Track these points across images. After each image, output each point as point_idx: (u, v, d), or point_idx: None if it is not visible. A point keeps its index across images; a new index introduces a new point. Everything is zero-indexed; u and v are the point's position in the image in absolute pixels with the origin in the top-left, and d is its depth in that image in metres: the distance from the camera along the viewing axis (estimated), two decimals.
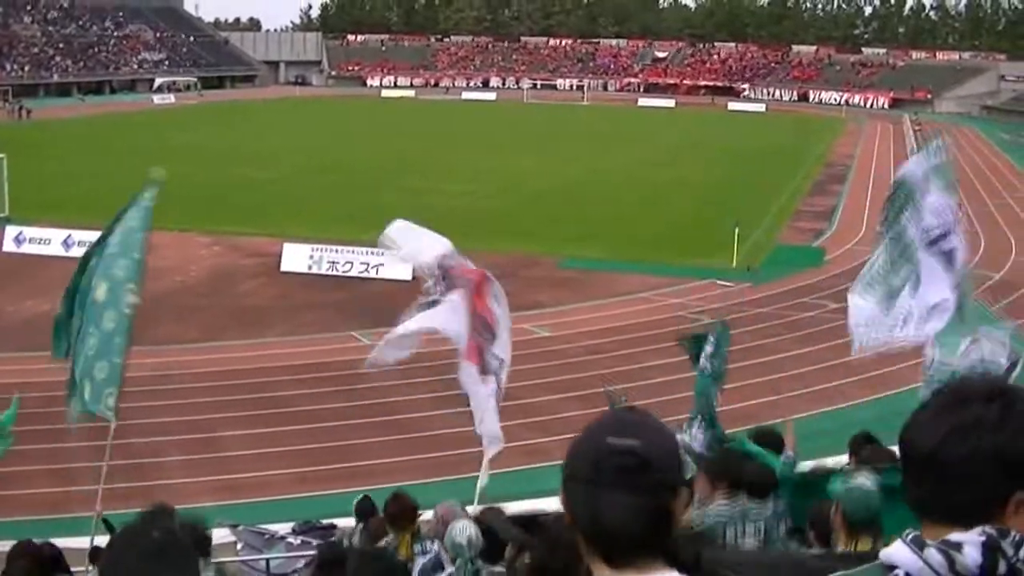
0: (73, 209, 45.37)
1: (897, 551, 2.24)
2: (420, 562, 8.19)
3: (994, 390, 2.29)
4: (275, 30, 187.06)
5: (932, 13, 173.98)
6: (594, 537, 2.37)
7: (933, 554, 2.16)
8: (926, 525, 2.28)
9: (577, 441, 2.44)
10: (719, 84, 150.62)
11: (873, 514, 5.73)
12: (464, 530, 7.04)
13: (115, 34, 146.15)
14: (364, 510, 11.38)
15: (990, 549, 2.14)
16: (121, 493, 15.19)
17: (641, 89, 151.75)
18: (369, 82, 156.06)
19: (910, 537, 2.25)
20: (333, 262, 37.56)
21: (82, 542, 10.15)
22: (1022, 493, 2.20)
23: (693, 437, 10.85)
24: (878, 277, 9.33)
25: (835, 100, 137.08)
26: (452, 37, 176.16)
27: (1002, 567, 2.13)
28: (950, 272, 8.85)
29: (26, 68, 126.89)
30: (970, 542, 2.15)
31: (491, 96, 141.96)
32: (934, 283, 8.84)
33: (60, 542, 9.94)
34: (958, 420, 2.25)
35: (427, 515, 10.36)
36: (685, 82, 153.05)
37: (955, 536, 2.18)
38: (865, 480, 5.98)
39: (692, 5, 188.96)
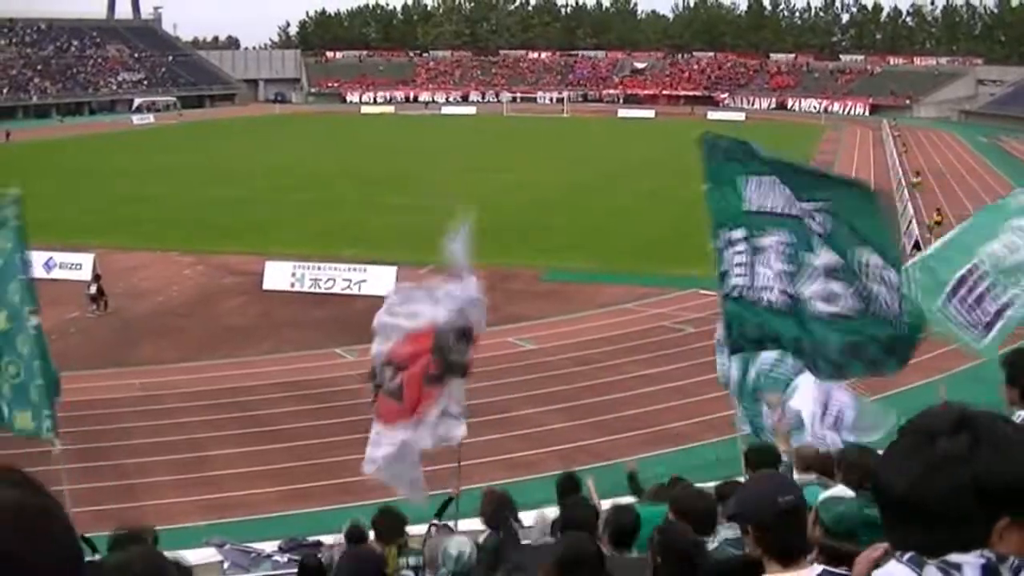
0: (54, 231, 45.23)
1: (894, 570, 2.24)
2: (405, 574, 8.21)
3: (958, 421, 2.26)
4: (253, 48, 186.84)
5: (909, 19, 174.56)
6: None
7: (934, 572, 2.17)
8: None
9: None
10: (698, 94, 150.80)
11: (852, 525, 5.68)
12: (459, 545, 7.04)
13: (93, 55, 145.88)
14: (353, 535, 11.38)
15: (990, 571, 2.14)
16: (110, 514, 15.19)
17: (620, 100, 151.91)
18: (348, 98, 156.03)
19: (907, 557, 2.24)
20: (316, 279, 37.54)
21: None
22: (1003, 520, 2.18)
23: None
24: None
25: (814, 107, 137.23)
26: (431, 52, 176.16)
27: None
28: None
29: (4, 90, 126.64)
30: (969, 563, 2.15)
31: (471, 110, 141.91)
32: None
33: None
34: (930, 457, 2.23)
35: (413, 529, 10.41)
36: (664, 92, 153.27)
37: (954, 557, 2.17)
38: (844, 490, 5.92)
39: (670, 15, 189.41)
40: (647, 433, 22.91)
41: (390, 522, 8.84)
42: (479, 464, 21.04)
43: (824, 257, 8.01)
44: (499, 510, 9.16)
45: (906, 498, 2.23)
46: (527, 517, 12.36)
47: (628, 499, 10.11)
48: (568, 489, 10.24)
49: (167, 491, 20.07)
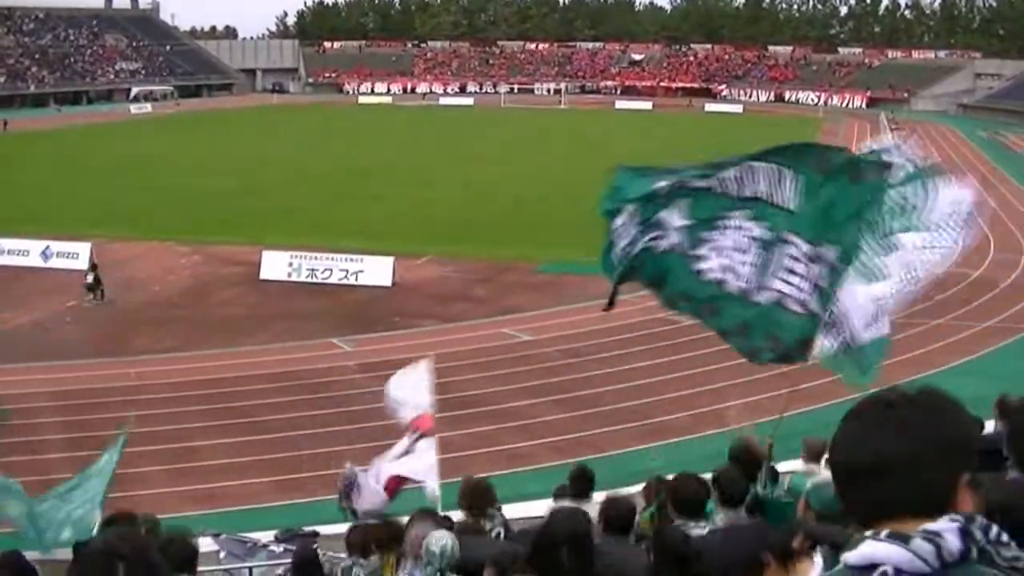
0: (52, 220, 45.22)
1: (877, 549, 2.23)
2: None
3: (915, 393, 2.41)
4: (251, 38, 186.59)
5: (907, 12, 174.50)
6: None
7: (921, 544, 2.18)
8: (880, 526, 2.30)
9: None
10: (696, 86, 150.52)
11: (841, 509, 5.69)
12: (440, 540, 7.02)
13: (91, 44, 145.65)
14: (354, 543, 11.35)
15: (966, 534, 2.18)
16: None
17: (618, 92, 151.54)
18: (346, 88, 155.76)
19: (884, 534, 2.24)
20: (313, 269, 37.52)
21: (63, 554, 10.19)
22: (964, 477, 2.30)
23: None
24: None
25: (812, 100, 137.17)
26: (429, 42, 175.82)
27: (974, 551, 2.19)
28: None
29: (2, 79, 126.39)
30: (948, 529, 2.18)
31: (469, 101, 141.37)
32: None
33: (40, 556, 9.98)
34: (893, 424, 2.35)
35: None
36: (662, 84, 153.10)
37: (932, 525, 2.20)
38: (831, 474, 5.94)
39: (668, 7, 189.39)
40: (641, 425, 22.95)
41: (390, 533, 8.80)
42: (472, 455, 21.09)
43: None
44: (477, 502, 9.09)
45: (875, 463, 2.33)
46: (520, 508, 12.40)
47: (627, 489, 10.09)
48: (581, 481, 10.19)
49: (159, 481, 20.07)
